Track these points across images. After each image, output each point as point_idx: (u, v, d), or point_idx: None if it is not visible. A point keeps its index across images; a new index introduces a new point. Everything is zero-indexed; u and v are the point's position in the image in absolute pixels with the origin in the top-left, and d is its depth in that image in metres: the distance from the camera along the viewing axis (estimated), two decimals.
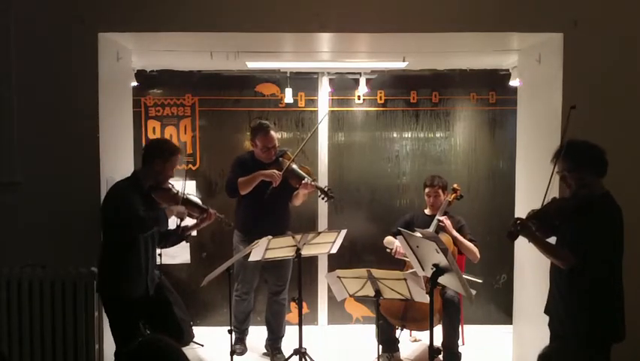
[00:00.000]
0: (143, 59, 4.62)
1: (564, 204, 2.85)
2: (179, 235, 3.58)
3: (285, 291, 4.39)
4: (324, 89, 5.11)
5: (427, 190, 4.42)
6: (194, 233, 4.98)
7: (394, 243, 4.27)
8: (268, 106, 5.12)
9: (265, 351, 4.51)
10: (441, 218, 4.26)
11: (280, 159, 4.22)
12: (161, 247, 3.68)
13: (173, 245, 3.68)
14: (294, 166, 4.19)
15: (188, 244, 4.94)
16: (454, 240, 4.22)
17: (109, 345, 3.58)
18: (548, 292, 3.03)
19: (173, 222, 3.54)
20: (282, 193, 4.21)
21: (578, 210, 2.76)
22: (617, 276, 2.79)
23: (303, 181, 4.10)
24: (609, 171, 2.83)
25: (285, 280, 4.37)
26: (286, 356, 4.02)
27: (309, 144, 5.12)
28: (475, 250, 4.23)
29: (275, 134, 4.21)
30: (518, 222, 2.83)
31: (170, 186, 3.43)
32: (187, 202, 3.48)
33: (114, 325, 3.34)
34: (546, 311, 3.03)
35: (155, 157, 3.32)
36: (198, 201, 3.58)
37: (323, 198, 4.22)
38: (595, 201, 2.75)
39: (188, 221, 3.58)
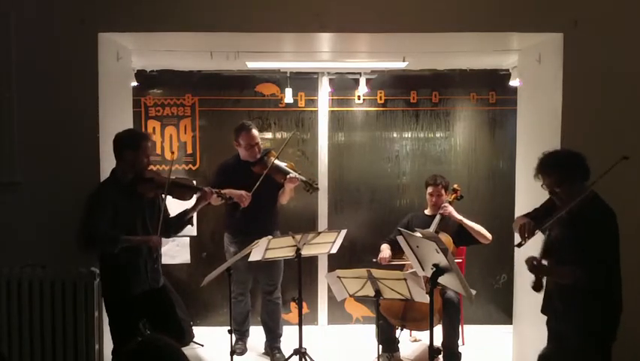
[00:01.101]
0: (143, 59, 4.62)
1: (564, 226, 2.81)
2: (182, 219, 3.50)
3: (277, 290, 4.40)
4: (324, 89, 5.11)
5: (429, 190, 4.41)
6: (192, 233, 5.02)
7: (381, 252, 4.30)
8: (268, 106, 5.12)
9: (271, 357, 4.45)
10: (444, 206, 4.25)
11: (265, 157, 4.26)
12: (166, 236, 3.58)
13: (177, 232, 3.61)
14: (278, 162, 4.23)
15: (188, 241, 5.00)
16: (462, 225, 4.21)
17: (109, 345, 3.58)
18: (544, 291, 3.04)
19: (175, 208, 3.50)
20: (270, 192, 4.25)
21: (574, 220, 2.76)
22: (615, 276, 2.79)
23: (289, 176, 4.14)
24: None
25: (276, 279, 4.38)
26: (286, 356, 4.02)
27: (309, 145, 5.14)
28: (485, 230, 4.22)
29: (257, 132, 4.26)
30: (535, 264, 2.74)
31: (152, 175, 3.36)
32: (175, 186, 3.39)
33: (112, 323, 3.34)
34: (543, 311, 3.04)
35: (124, 149, 3.25)
36: (188, 183, 3.51)
37: (308, 191, 4.25)
38: (587, 207, 2.75)
39: (187, 204, 3.52)
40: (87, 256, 3.28)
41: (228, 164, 4.38)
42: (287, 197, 4.34)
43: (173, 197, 3.41)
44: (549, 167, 2.80)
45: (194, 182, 4.19)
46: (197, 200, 3.49)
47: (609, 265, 2.74)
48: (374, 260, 4.27)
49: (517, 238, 2.92)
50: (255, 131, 4.23)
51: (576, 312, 2.79)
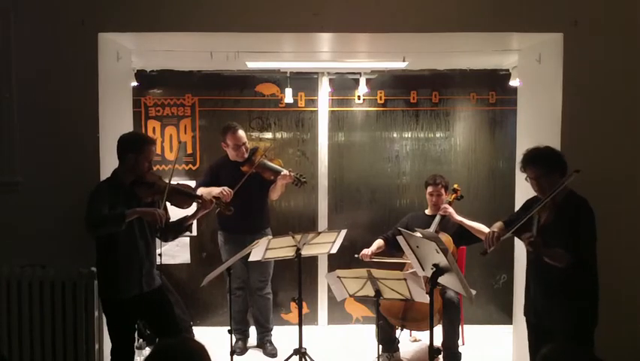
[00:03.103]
0: (143, 59, 4.62)
1: (554, 215, 2.97)
2: (182, 225, 3.47)
3: (268, 286, 4.51)
4: (324, 89, 5.11)
5: (429, 190, 4.40)
6: (192, 233, 5.02)
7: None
8: (268, 106, 5.12)
9: (264, 350, 4.55)
10: (444, 207, 4.24)
11: (252, 156, 4.33)
12: (164, 240, 3.57)
13: (175, 237, 3.58)
14: (267, 161, 4.29)
15: (189, 241, 5.00)
16: (463, 226, 4.19)
17: (109, 345, 3.58)
18: (525, 293, 3.13)
19: (174, 215, 3.49)
20: (259, 190, 4.34)
21: (563, 209, 2.93)
22: (596, 265, 2.94)
23: (282, 173, 4.20)
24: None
25: (267, 276, 4.47)
26: (286, 356, 4.02)
27: (309, 145, 5.14)
28: (486, 228, 4.20)
29: (243, 133, 4.32)
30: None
31: (153, 180, 3.32)
32: (175, 193, 3.36)
33: (108, 324, 3.32)
34: (525, 313, 3.15)
35: (128, 152, 3.22)
36: (188, 190, 3.46)
37: (297, 185, 4.30)
38: (572, 197, 2.95)
39: (188, 211, 3.50)
40: (95, 237, 3.19)
41: (218, 164, 4.47)
42: (278, 193, 4.41)
43: (171, 204, 3.39)
44: (537, 159, 2.99)
45: (195, 183, 4.19)
46: (197, 209, 3.46)
47: (595, 254, 2.90)
48: (356, 256, 4.29)
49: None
50: (241, 132, 4.30)
51: (563, 303, 2.90)
